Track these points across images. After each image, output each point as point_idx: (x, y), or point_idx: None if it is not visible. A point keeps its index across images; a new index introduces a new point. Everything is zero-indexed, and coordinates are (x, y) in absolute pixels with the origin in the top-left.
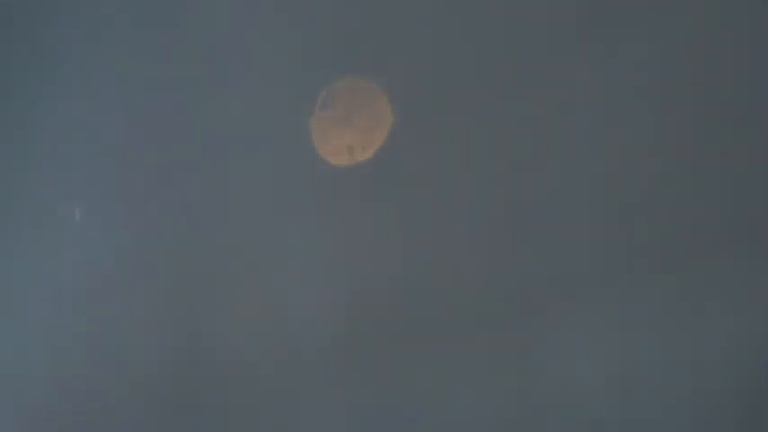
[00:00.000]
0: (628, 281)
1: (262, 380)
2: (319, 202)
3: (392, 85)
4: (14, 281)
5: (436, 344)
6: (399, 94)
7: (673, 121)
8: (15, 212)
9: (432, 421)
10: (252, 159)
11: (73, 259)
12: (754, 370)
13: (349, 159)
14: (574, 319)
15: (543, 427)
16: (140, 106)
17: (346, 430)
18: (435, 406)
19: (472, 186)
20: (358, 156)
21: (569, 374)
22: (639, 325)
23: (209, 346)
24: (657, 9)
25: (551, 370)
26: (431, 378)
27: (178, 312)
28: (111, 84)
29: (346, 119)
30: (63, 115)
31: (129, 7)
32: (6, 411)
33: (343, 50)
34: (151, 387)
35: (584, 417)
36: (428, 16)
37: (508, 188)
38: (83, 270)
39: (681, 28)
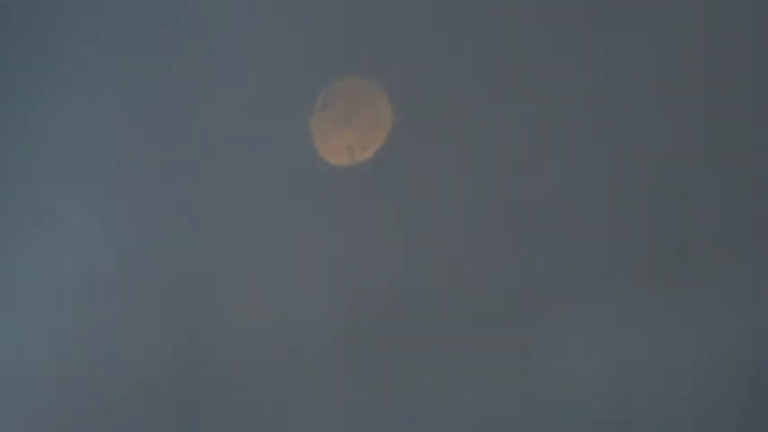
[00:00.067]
0: (628, 281)
1: (262, 380)
2: (319, 202)
3: (392, 85)
4: (14, 281)
5: (436, 344)
6: (399, 94)
7: (673, 121)
8: (15, 212)
9: (432, 421)
10: (252, 159)
11: (73, 259)
12: (754, 370)
13: (349, 159)
14: (574, 319)
15: (543, 427)
16: (140, 106)
17: (346, 430)
18: (435, 406)
19: (472, 186)
20: (358, 156)
21: (569, 374)
22: (639, 325)
23: (209, 346)
24: (657, 9)
25: (551, 370)
26: (431, 378)
27: (178, 312)
28: (111, 84)
29: (346, 119)
30: (63, 115)
31: (129, 7)
32: (6, 411)
33: (343, 50)
34: (151, 387)
35: (584, 417)
36: (428, 16)
37: (508, 188)
38: (83, 270)
39: (681, 28)
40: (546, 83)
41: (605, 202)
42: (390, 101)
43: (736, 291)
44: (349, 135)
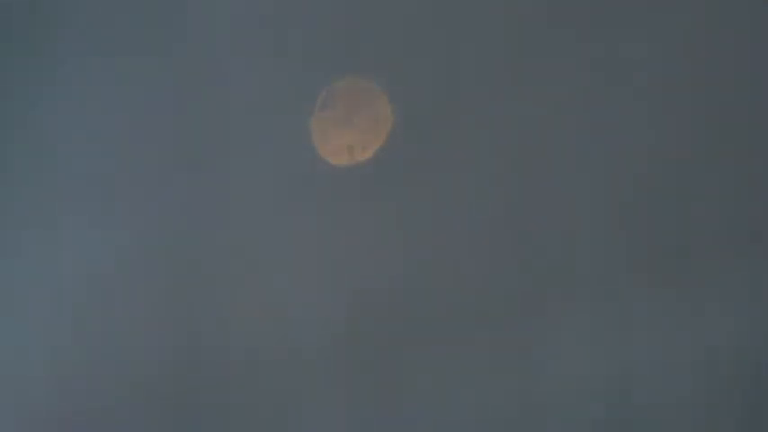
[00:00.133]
0: (628, 281)
1: (262, 380)
2: (319, 202)
3: (392, 85)
4: (14, 281)
5: (436, 344)
6: (399, 94)
7: (673, 121)
8: (15, 212)
9: (432, 421)
10: (252, 159)
11: (73, 259)
12: (754, 370)
13: (349, 159)
14: (574, 319)
15: (543, 427)
16: (140, 106)
17: (346, 430)
18: (435, 406)
19: (472, 186)
20: (358, 156)
21: (569, 374)
22: (639, 325)
23: (209, 346)
24: (657, 9)
25: (551, 370)
26: (431, 378)
27: (178, 312)
28: (112, 84)
29: (346, 119)
30: (63, 115)
31: (129, 7)
32: (6, 411)
33: (343, 50)
34: (151, 387)
35: (585, 417)
36: (428, 16)
37: (508, 188)
38: (83, 270)
39: (681, 28)
40: (546, 83)
41: (605, 202)
42: (390, 101)
43: (736, 291)
44: (349, 135)
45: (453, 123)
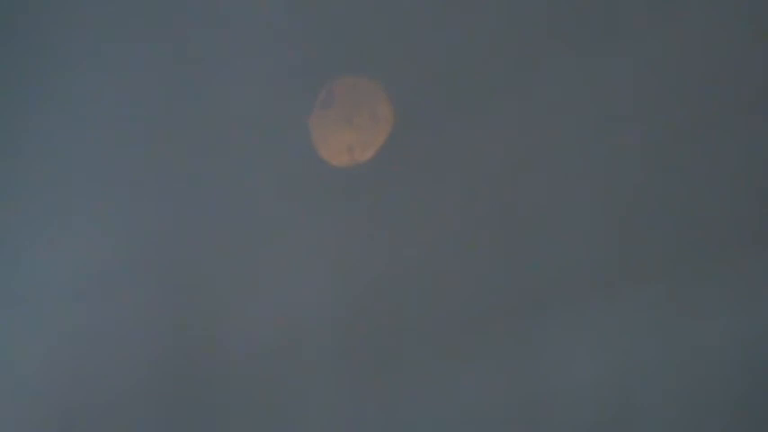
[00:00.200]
0: (628, 281)
1: (262, 380)
2: (319, 202)
3: (392, 85)
4: (14, 281)
5: (436, 344)
6: (399, 94)
7: (673, 122)
8: (15, 212)
9: (432, 421)
10: (252, 159)
11: (73, 259)
12: (754, 370)
13: (349, 159)
14: (574, 320)
15: (543, 427)
16: (140, 106)
17: (346, 430)
18: (435, 406)
19: (472, 187)
20: (358, 156)
21: (569, 374)
22: (639, 325)
23: (209, 346)
24: (657, 9)
25: (551, 370)
26: (431, 378)
27: (178, 312)
28: (112, 84)
29: (346, 119)
30: (63, 115)
31: (130, 7)
32: (6, 411)
33: (344, 50)
34: (151, 387)
35: (585, 417)
36: (428, 16)
37: (507, 188)
38: (82, 270)
39: (681, 28)
40: (546, 83)
41: (604, 203)
42: (390, 101)
43: (735, 291)
44: (349, 135)
45: (453, 123)
